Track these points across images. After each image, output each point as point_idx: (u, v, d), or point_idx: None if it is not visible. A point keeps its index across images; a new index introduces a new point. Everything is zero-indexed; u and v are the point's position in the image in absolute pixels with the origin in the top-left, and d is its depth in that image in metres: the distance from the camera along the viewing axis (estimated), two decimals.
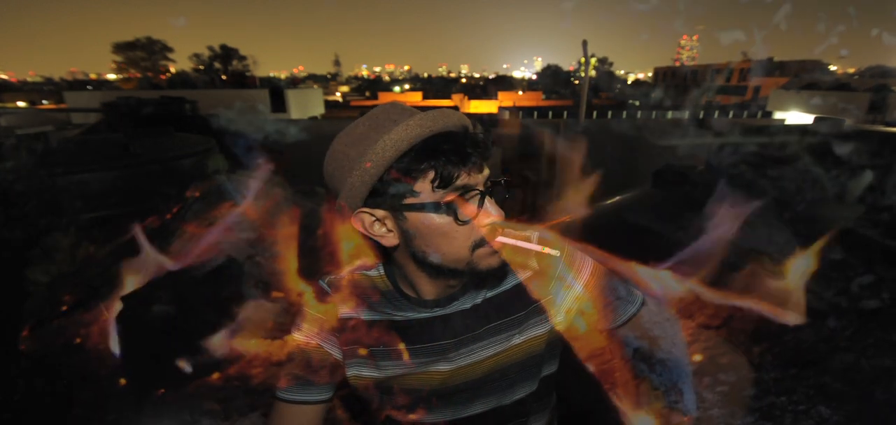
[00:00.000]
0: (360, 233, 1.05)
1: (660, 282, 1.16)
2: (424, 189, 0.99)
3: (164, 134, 5.06)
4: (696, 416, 0.96)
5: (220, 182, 0.99)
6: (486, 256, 1.03)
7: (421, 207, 1.00)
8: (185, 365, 0.92)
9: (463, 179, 0.98)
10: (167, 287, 0.92)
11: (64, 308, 1.00)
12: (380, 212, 1.04)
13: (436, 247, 1.03)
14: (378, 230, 1.06)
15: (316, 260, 1.11)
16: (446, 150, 0.98)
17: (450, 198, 0.97)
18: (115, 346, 0.98)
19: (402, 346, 1.11)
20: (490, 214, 0.99)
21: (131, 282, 1.00)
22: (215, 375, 0.95)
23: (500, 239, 1.00)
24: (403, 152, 0.99)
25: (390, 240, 1.06)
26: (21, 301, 0.99)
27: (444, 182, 0.98)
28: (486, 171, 1.01)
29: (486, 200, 0.99)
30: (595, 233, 1.07)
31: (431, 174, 0.98)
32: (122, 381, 0.95)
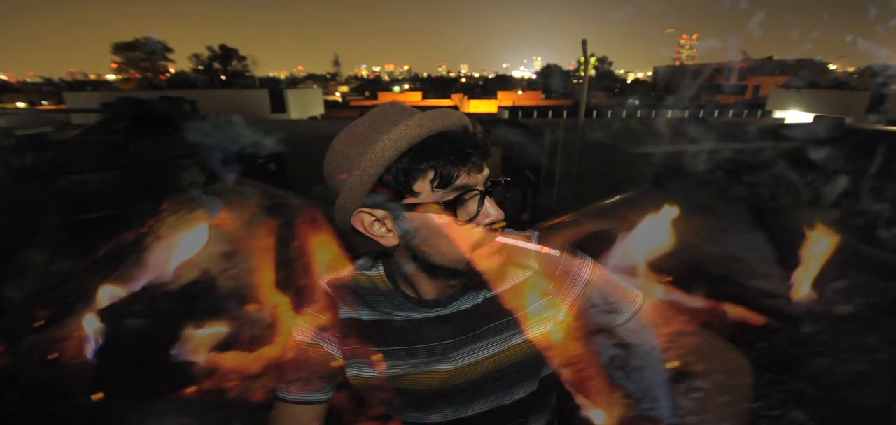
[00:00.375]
0: (360, 233, 1.06)
1: (634, 288, 1.17)
2: (424, 189, 0.99)
3: (164, 134, 5.06)
4: (670, 423, 0.97)
5: (194, 195, 1.01)
6: (486, 256, 1.03)
7: (420, 208, 1.01)
8: (161, 379, 0.93)
9: (462, 179, 0.98)
10: (142, 301, 0.93)
11: (39, 324, 1.01)
12: (379, 212, 1.05)
13: (435, 247, 1.03)
14: (378, 230, 1.06)
15: (291, 272, 1.12)
16: (446, 150, 0.98)
17: (449, 198, 0.98)
18: (90, 362, 0.99)
19: (402, 346, 1.12)
20: (490, 214, 0.99)
21: (107, 297, 1.01)
22: (191, 389, 0.96)
23: (500, 239, 1.01)
24: (403, 152, 0.99)
25: (390, 240, 1.06)
26: None
27: (443, 182, 0.98)
28: (486, 171, 1.01)
29: (485, 200, 1.00)
30: (563, 239, 1.09)
31: (431, 174, 0.99)
32: (98, 396, 0.95)
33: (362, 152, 1.02)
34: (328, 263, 1.01)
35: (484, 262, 1.03)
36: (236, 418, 1.04)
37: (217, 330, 0.97)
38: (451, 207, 0.98)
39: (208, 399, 0.99)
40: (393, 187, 1.00)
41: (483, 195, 0.99)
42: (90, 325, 0.98)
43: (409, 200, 0.98)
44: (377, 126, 1.05)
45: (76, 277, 1.04)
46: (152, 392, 0.91)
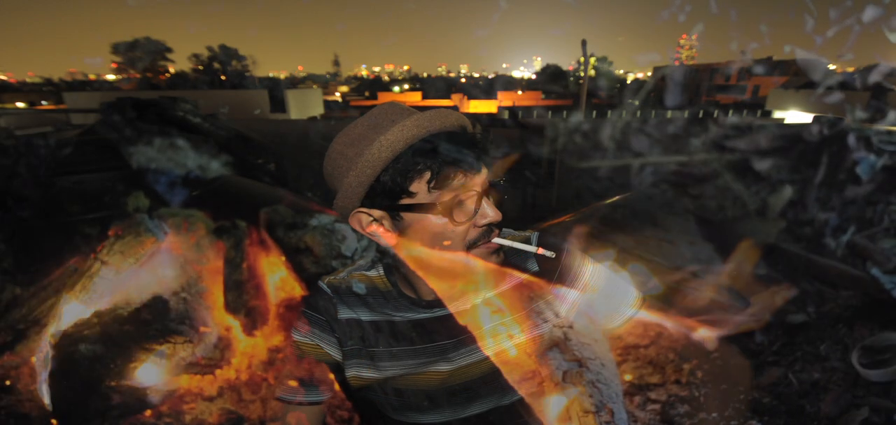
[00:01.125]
0: (359, 232, 1.06)
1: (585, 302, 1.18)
2: (420, 190, 1.00)
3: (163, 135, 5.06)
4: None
5: (141, 219, 1.01)
6: (483, 257, 1.04)
7: (417, 208, 1.02)
8: (116, 405, 0.94)
9: (459, 180, 0.99)
10: (94, 326, 0.94)
11: None
12: (377, 212, 1.06)
13: (432, 247, 1.04)
14: (375, 230, 1.07)
15: (241, 293, 1.13)
16: (442, 151, 0.99)
17: (446, 198, 0.99)
18: (44, 388, 1.00)
19: (401, 347, 1.13)
20: (487, 215, 1.00)
21: (58, 324, 1.02)
22: (147, 412, 0.97)
23: (497, 240, 1.02)
24: (399, 153, 1.00)
25: (388, 240, 1.07)
26: None
27: (439, 183, 0.99)
28: (484, 172, 1.02)
29: (483, 201, 1.00)
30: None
31: (427, 175, 1.00)
32: (54, 422, 0.96)
33: (360, 153, 1.03)
34: (277, 284, 1.02)
35: (481, 263, 1.04)
36: (321, 400, 1.05)
37: (170, 352, 0.98)
38: (448, 208, 0.99)
39: (164, 422, 1.00)
40: (390, 187, 1.01)
41: (481, 196, 1.00)
42: (43, 351, 1.00)
43: (405, 201, 1.00)
44: (375, 126, 1.06)
45: (25, 303, 1.05)
46: (109, 416, 0.93)
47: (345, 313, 1.12)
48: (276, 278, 1.03)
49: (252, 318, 1.04)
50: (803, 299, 1.36)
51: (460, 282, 1.12)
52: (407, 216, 1.03)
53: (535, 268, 1.19)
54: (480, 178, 1.01)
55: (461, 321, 1.15)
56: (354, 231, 1.06)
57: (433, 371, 1.15)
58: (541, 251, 1.02)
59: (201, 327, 0.99)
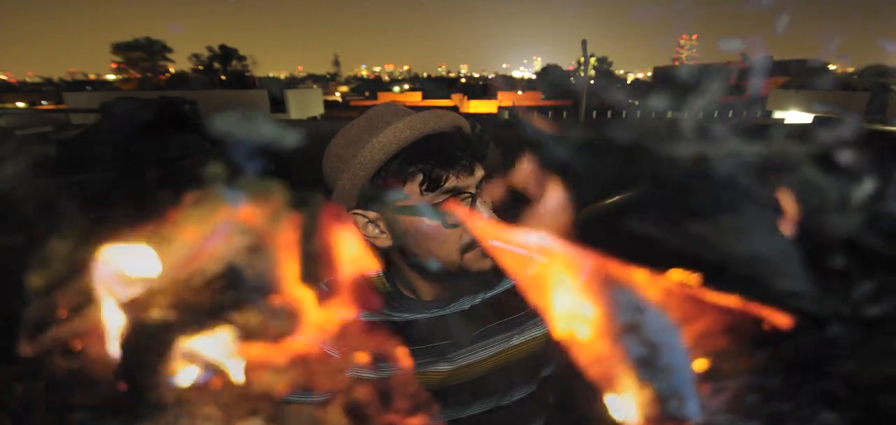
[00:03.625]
0: (357, 234, 1.05)
1: (662, 287, 1.16)
2: (413, 191, 0.99)
3: (163, 135, 5.07)
4: (697, 423, 0.95)
5: (218, 188, 1.00)
6: (477, 260, 1.03)
7: (410, 210, 1.00)
8: (184, 371, 0.92)
9: (451, 182, 0.98)
10: (166, 293, 0.92)
11: (62, 314, 1.01)
12: (372, 214, 1.05)
13: (426, 249, 1.03)
14: (371, 231, 1.07)
15: (315, 265, 1.12)
16: (435, 153, 0.98)
17: (438, 200, 0.98)
18: (114, 352, 0.99)
19: (401, 347, 1.11)
20: (482, 217, 0.98)
21: (130, 288, 1.00)
22: (215, 381, 0.96)
23: (492, 242, 1.00)
24: (392, 154, 0.99)
25: (383, 241, 1.06)
26: (19, 307, 1.00)
27: (431, 184, 0.98)
28: (480, 173, 1.01)
29: (477, 203, 0.99)
30: (594, 237, 1.07)
31: (420, 176, 0.99)
32: (122, 387, 0.95)
33: (354, 154, 1.02)
34: (350, 257, 1.00)
35: (475, 265, 1.03)
36: (261, 409, 1.04)
37: (242, 321, 0.96)
38: (440, 210, 0.97)
39: (232, 390, 0.98)
40: (383, 189, 1.00)
41: (474, 198, 0.98)
42: (114, 315, 0.98)
43: (399, 203, 0.98)
44: (371, 127, 1.05)
45: (99, 268, 1.03)
46: (175, 383, 0.91)
47: (345, 314, 1.11)
48: (352, 251, 1.02)
49: (324, 291, 1.02)
50: (880, 294, 1.34)
51: (457, 283, 1.10)
52: (401, 218, 1.02)
53: (537, 268, 1.17)
54: (475, 180, 0.99)
55: (460, 321, 1.14)
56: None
57: (433, 371, 1.14)
58: (533, 256, 1.00)
59: (273, 298, 0.97)
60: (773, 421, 1.02)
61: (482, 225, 0.99)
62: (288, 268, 1.04)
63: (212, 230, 0.98)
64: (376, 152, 1.00)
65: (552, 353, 1.27)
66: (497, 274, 1.17)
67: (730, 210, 1.29)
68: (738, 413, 1.02)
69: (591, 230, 1.11)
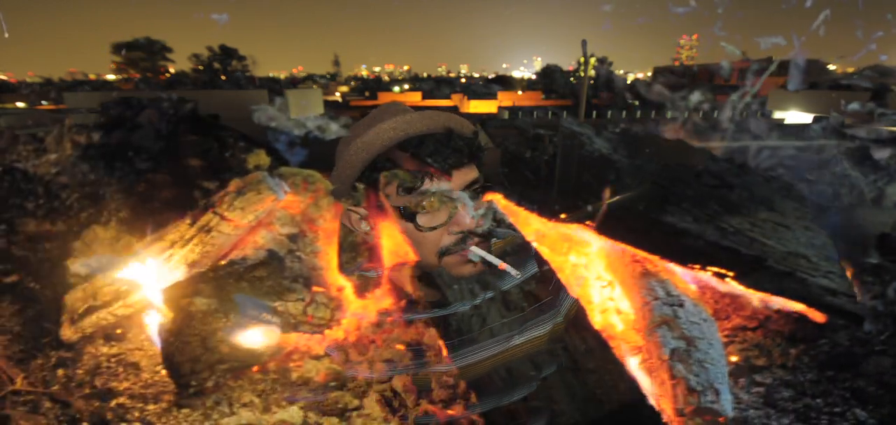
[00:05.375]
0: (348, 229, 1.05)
1: (698, 281, 1.15)
2: (392, 192, 0.98)
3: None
4: (732, 416, 0.95)
5: (260, 177, 1.00)
6: (456, 265, 1.02)
7: (391, 210, 1.00)
8: (225, 357, 0.92)
9: (426, 185, 0.96)
10: (208, 280, 0.92)
11: (105, 299, 1.01)
12: (361, 210, 1.04)
13: (405, 250, 1.02)
14: (363, 228, 1.06)
15: (356, 255, 1.12)
16: (412, 155, 0.97)
17: (414, 202, 0.96)
18: (155, 338, 0.99)
19: (401, 346, 1.10)
20: (460, 223, 0.97)
21: (172, 275, 1.01)
22: (255, 368, 0.96)
23: (472, 249, 0.99)
24: (375, 155, 0.99)
25: (372, 238, 1.06)
26: (62, 292, 1.01)
27: (407, 186, 0.97)
28: (466, 176, 0.99)
29: (459, 208, 0.97)
30: (625, 230, 1.06)
31: (398, 178, 0.98)
32: (163, 372, 0.95)
33: (344, 151, 1.02)
34: (391, 248, 0.99)
35: (454, 270, 1.01)
36: (300, 396, 1.04)
37: (282, 309, 0.96)
38: (416, 213, 0.96)
39: (272, 377, 0.98)
40: (369, 188, 0.99)
41: (456, 202, 0.97)
42: (155, 302, 0.98)
43: (381, 202, 0.98)
44: (365, 126, 1.05)
45: (141, 255, 1.03)
46: (218, 369, 0.90)
47: (345, 313, 1.10)
48: (391, 242, 1.02)
49: (364, 281, 1.02)
50: None
51: (448, 285, 1.09)
52: (384, 217, 1.01)
53: (535, 269, 1.17)
54: (458, 184, 0.98)
55: (461, 322, 1.13)
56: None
57: (431, 370, 1.13)
58: (502, 267, 0.99)
59: (314, 286, 0.98)
60: (806, 417, 1.01)
61: (462, 231, 0.97)
62: (328, 258, 1.04)
63: (254, 218, 0.98)
64: (360, 151, 1.00)
65: (554, 352, 1.26)
66: (499, 273, 1.16)
67: (767, 205, 1.28)
68: (772, 407, 1.02)
69: (626, 223, 1.11)
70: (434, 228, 0.97)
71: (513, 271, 1.02)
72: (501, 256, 1.06)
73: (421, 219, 0.96)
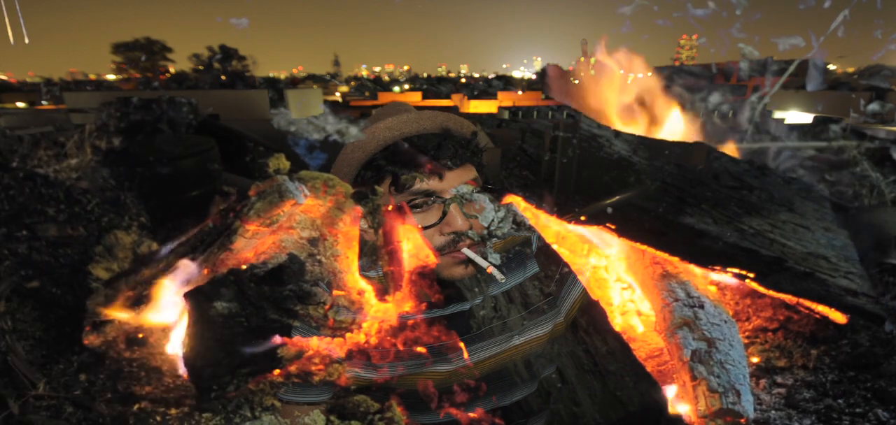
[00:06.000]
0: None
1: (718, 283, 1.14)
2: (385, 191, 0.98)
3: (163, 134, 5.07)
4: (753, 418, 0.95)
5: (281, 181, 1.00)
6: (448, 266, 1.01)
7: (384, 208, 1.00)
8: (246, 361, 0.91)
9: (418, 185, 0.96)
10: (229, 284, 0.92)
11: (127, 304, 1.02)
12: (360, 209, 1.05)
13: (398, 249, 1.02)
14: (363, 224, 1.06)
15: (376, 258, 1.11)
16: (405, 155, 0.97)
17: (408, 201, 0.96)
18: (176, 342, 0.99)
19: (422, 349, 1.10)
20: (452, 224, 0.96)
21: (193, 279, 1.01)
22: (276, 371, 0.96)
23: (464, 250, 0.99)
24: (371, 154, 0.99)
25: (370, 235, 1.06)
26: (83, 297, 1.01)
27: (398, 186, 0.97)
28: (459, 177, 0.98)
29: (451, 209, 0.97)
30: (645, 231, 1.06)
31: (390, 177, 0.98)
32: (184, 377, 0.95)
33: (342, 150, 1.03)
34: (411, 251, 0.99)
35: (446, 271, 1.01)
36: (321, 401, 1.05)
37: (303, 313, 0.96)
38: (408, 212, 0.97)
39: (292, 382, 0.99)
40: (365, 186, 1.00)
41: (448, 202, 0.96)
42: (177, 306, 0.98)
43: (376, 201, 0.98)
44: (369, 125, 1.05)
45: (163, 259, 1.04)
46: (239, 373, 0.90)
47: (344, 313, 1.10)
48: (411, 245, 1.02)
49: (385, 284, 1.02)
50: None
51: (440, 285, 1.09)
52: (379, 216, 1.01)
53: (536, 269, 1.17)
54: (449, 184, 0.98)
55: (461, 322, 1.13)
56: (491, 202, 1.03)
57: (432, 371, 1.13)
58: (490, 270, 1.00)
59: (334, 290, 0.98)
60: (828, 418, 1.01)
61: (454, 231, 0.97)
62: (348, 262, 1.03)
63: (274, 223, 0.97)
64: (356, 150, 1.01)
65: (554, 353, 1.25)
66: (498, 274, 1.16)
67: (787, 206, 1.28)
68: (793, 408, 1.01)
69: (644, 224, 1.10)
70: (425, 228, 0.98)
71: (498, 275, 1.02)
72: (506, 256, 1.06)
73: (417, 218, 0.97)
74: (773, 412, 1.02)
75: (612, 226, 1.07)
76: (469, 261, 1.00)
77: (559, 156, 1.19)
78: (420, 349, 1.07)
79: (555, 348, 1.22)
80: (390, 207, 0.97)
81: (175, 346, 1.00)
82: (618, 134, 1.30)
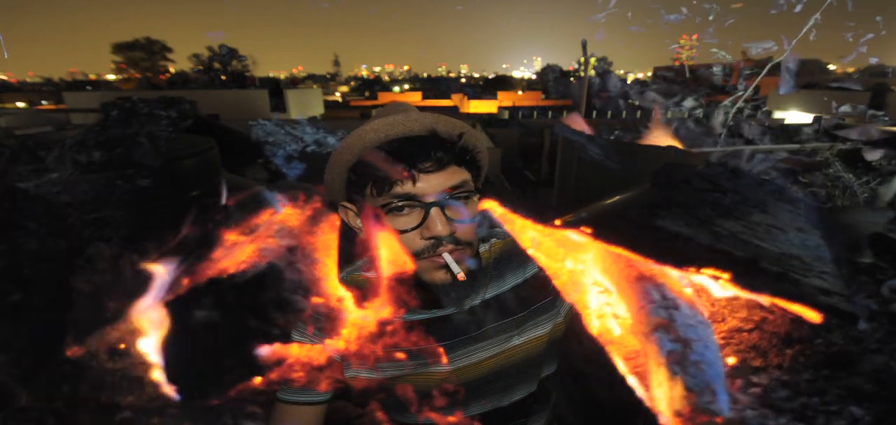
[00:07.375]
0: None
1: (693, 285, 1.16)
2: (368, 193, 0.99)
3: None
4: (729, 417, 0.97)
5: (259, 190, 1.01)
6: (429, 270, 1.02)
7: (368, 210, 1.01)
8: (227, 369, 0.93)
9: (397, 189, 0.96)
10: (209, 293, 0.93)
11: (108, 315, 1.03)
12: (352, 207, 1.06)
13: (382, 250, 1.03)
14: (355, 223, 1.08)
15: (354, 266, 1.12)
16: (384, 157, 0.97)
17: (389, 203, 0.97)
18: (158, 353, 1.00)
19: (400, 347, 1.11)
20: (432, 229, 0.96)
21: (174, 289, 1.02)
22: (257, 379, 0.97)
23: (444, 255, 0.99)
24: (357, 155, 1.00)
25: (364, 236, 1.07)
26: (65, 309, 1.02)
27: (378, 188, 0.98)
28: (442, 181, 0.98)
29: (431, 213, 0.97)
30: (620, 235, 1.08)
31: (372, 179, 0.99)
32: (166, 386, 0.97)
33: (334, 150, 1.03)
34: (389, 257, 1.00)
35: (426, 276, 1.01)
36: (321, 401, 1.05)
37: (282, 321, 0.97)
38: (387, 215, 0.97)
39: (273, 389, 1.00)
40: (356, 186, 1.01)
41: (427, 207, 0.96)
42: (158, 316, 0.99)
43: (363, 202, 0.99)
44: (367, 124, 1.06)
45: (144, 270, 1.05)
46: (220, 382, 0.92)
47: (345, 314, 1.11)
48: (388, 251, 1.03)
49: (363, 291, 1.03)
50: None
51: (427, 289, 1.09)
52: (366, 217, 1.02)
53: (535, 269, 1.17)
54: (431, 188, 0.97)
55: (460, 322, 1.13)
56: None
57: (432, 372, 1.14)
58: (461, 277, 1.00)
59: (313, 297, 0.99)
60: (803, 416, 1.03)
61: (434, 236, 0.97)
62: (327, 268, 1.05)
63: (253, 232, 0.99)
64: (344, 151, 1.01)
65: (554, 353, 1.26)
66: (498, 274, 1.16)
67: (760, 208, 1.29)
68: (769, 407, 1.03)
69: (619, 228, 1.12)
70: (404, 232, 0.97)
71: (461, 278, 1.02)
72: (498, 261, 1.06)
73: (394, 222, 0.97)
74: (749, 411, 1.04)
75: (588, 230, 1.09)
76: (447, 266, 1.00)
77: (559, 156, 1.20)
78: (400, 354, 1.08)
79: (555, 348, 1.23)
80: (369, 211, 0.98)
81: (157, 356, 1.01)
82: (591, 138, 1.31)
